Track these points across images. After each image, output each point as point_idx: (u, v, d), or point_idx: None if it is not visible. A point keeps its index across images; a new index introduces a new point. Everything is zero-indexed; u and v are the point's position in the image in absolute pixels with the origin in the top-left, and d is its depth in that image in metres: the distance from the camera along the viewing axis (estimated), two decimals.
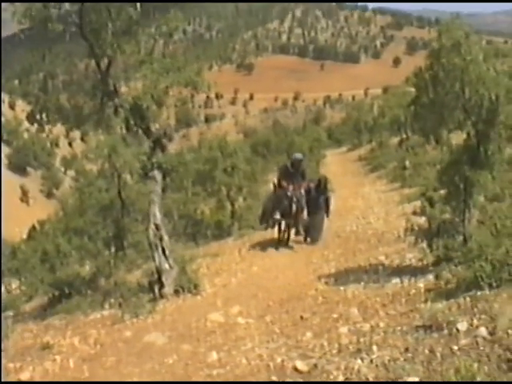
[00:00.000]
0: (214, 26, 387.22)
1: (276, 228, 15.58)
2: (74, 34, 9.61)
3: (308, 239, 15.88)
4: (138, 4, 10.09)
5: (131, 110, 9.82)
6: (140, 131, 10.18)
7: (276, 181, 16.04)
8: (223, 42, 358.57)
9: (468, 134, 9.27)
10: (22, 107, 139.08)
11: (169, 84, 9.84)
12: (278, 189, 15.46)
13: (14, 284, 25.12)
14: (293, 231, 15.50)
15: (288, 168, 15.66)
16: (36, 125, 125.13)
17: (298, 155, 16.44)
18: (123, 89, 10.69)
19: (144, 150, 10.19)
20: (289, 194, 14.89)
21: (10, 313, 14.16)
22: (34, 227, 48.45)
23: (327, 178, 17.02)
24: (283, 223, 15.39)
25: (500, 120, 8.80)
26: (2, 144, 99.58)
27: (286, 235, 15.54)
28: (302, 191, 15.30)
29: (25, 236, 47.18)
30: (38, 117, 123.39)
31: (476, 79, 8.64)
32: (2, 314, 13.93)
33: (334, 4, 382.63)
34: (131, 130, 10.12)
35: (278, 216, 14.75)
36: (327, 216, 16.28)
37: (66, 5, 9.29)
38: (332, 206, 16.57)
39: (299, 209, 14.97)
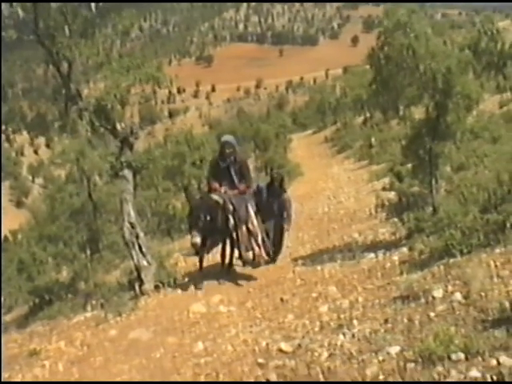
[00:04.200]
0: (170, 20, 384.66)
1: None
2: (30, 40, 9.60)
3: (266, 255, 11.03)
4: (93, 5, 10.11)
5: (95, 112, 9.84)
6: (106, 132, 10.20)
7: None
8: (180, 35, 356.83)
9: (427, 108, 9.49)
10: None
11: (130, 82, 9.86)
12: (206, 193, 10.88)
13: None
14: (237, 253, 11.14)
15: (217, 162, 10.81)
16: None
17: (228, 137, 11.14)
18: (85, 91, 10.71)
19: (112, 150, 10.22)
20: (218, 199, 10.13)
21: None
22: (6, 238, 48.04)
23: (283, 176, 12.33)
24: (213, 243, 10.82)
25: (457, 90, 9.02)
26: None
27: (227, 257, 11.10)
28: (247, 194, 10.84)
29: None
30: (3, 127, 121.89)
31: (425, 54, 8.85)
32: None
33: None
34: (97, 132, 10.14)
35: (197, 238, 9.61)
36: (286, 225, 11.69)
37: (20, 13, 9.26)
38: (293, 212, 11.94)
39: (238, 221, 10.42)
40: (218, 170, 10.72)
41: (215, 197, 10.21)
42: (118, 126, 10.07)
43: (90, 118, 9.85)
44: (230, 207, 10.28)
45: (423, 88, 9.19)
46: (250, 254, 10.91)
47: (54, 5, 9.40)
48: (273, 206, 11.44)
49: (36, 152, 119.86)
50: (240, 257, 11.08)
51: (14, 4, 9.17)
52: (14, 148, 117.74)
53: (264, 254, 10.78)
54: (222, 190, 10.50)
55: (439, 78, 8.81)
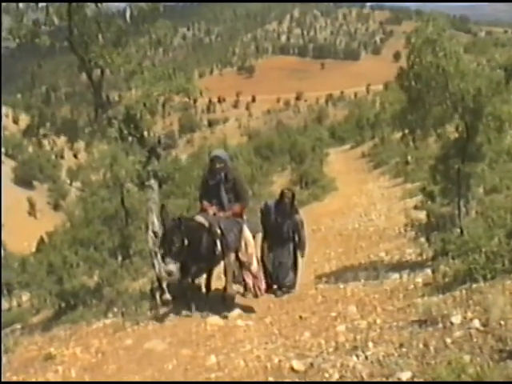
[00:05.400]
0: (213, 30, 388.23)
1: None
2: (63, 47, 9.76)
3: (276, 288, 10.32)
4: (128, 14, 10.23)
5: (124, 121, 9.93)
6: (134, 140, 10.28)
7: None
8: (223, 45, 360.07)
9: (457, 128, 9.35)
10: (26, 121, 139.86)
11: (160, 92, 9.92)
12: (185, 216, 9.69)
13: (25, 297, 25.38)
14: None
15: (207, 179, 9.54)
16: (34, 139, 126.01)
17: (218, 152, 10.01)
18: (116, 99, 10.83)
19: (139, 159, 10.29)
20: (203, 221, 8.87)
21: (18, 326, 14.30)
22: (42, 240, 48.78)
23: (294, 193, 10.58)
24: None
25: (487, 111, 8.87)
26: (8, 159, 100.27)
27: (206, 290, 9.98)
28: (242, 217, 9.45)
29: (34, 249, 47.51)
30: (35, 131, 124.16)
31: (455, 73, 8.71)
32: (10, 328, 14.10)
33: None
34: (126, 140, 10.22)
35: (170, 266, 8.28)
36: (300, 251, 10.55)
37: (56, 21, 9.40)
38: (306, 234, 10.65)
39: (225, 248, 8.96)
40: (207, 188, 9.46)
41: (200, 219, 8.96)
42: (146, 136, 10.15)
43: (119, 126, 9.94)
44: (218, 231, 8.89)
45: (453, 108, 9.06)
46: (238, 286, 9.92)
47: (89, 13, 9.51)
48: (282, 228, 10.19)
49: (75, 156, 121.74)
50: (224, 290, 9.42)
51: (50, 11, 9.30)
52: (54, 151, 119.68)
53: (261, 286, 9.63)
54: (211, 211, 9.15)
55: (469, 99, 8.67)
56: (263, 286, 9.71)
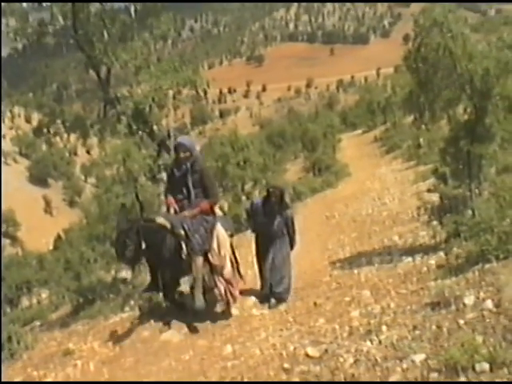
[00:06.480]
0: (221, 20, 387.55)
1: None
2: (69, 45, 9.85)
3: (269, 294, 9.22)
4: (132, 10, 10.29)
5: (133, 116, 9.99)
6: (144, 135, 10.34)
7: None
8: (231, 35, 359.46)
9: (465, 109, 9.32)
10: (38, 119, 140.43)
11: (168, 86, 9.97)
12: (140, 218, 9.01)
13: (44, 294, 25.59)
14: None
15: (172, 170, 8.36)
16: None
17: (182, 139, 8.58)
18: (126, 94, 10.89)
19: (150, 153, 10.35)
20: (164, 222, 7.80)
21: (38, 323, 14.44)
22: (59, 237, 49.16)
23: (283, 191, 9.58)
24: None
25: (496, 92, 8.82)
26: (22, 157, 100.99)
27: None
28: (209, 216, 8.14)
29: (51, 246, 47.90)
30: (45, 130, 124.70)
31: (462, 55, 8.67)
32: (30, 325, 14.26)
33: None
34: (135, 135, 10.28)
35: (124, 273, 7.89)
36: (290, 247, 9.54)
37: (61, 20, 9.47)
38: (296, 230, 9.74)
39: (191, 251, 7.89)
40: (173, 180, 8.29)
41: (160, 219, 7.90)
42: (156, 129, 10.21)
43: (127, 122, 10.00)
44: (182, 232, 7.83)
45: (461, 89, 9.01)
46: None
47: (92, 10, 9.57)
48: (272, 226, 9.23)
49: (88, 152, 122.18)
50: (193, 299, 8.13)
51: (54, 11, 9.37)
52: (67, 148, 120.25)
53: (235, 292, 8.48)
54: (172, 209, 8.15)
55: (477, 80, 8.63)
56: (237, 292, 8.56)
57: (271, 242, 9.29)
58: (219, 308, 8.67)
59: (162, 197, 9.97)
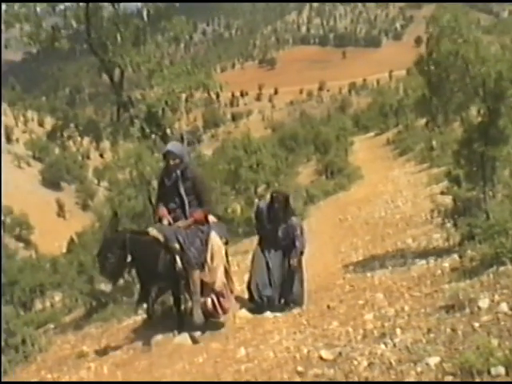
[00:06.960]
0: (233, 24, 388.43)
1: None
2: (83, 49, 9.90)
3: (283, 304, 9.09)
4: (145, 13, 10.33)
5: (146, 119, 10.02)
6: (157, 138, 10.37)
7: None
8: (243, 39, 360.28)
9: (478, 112, 9.28)
10: (51, 123, 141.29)
11: (181, 89, 10.00)
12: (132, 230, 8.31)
13: (58, 297, 25.72)
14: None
15: (163, 178, 8.04)
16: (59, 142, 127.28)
17: (172, 146, 8.13)
18: (139, 98, 10.93)
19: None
20: (156, 234, 7.56)
21: (51, 325, 14.53)
22: (72, 240, 49.40)
23: (287, 195, 9.16)
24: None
25: (510, 93, 8.78)
26: (35, 161, 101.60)
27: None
28: (203, 226, 7.90)
29: (64, 249, 48.13)
30: (58, 134, 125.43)
31: (475, 59, 8.62)
32: (44, 328, 14.35)
33: None
34: (148, 138, 10.31)
35: (103, 286, 7.23)
36: (293, 257, 8.92)
37: (74, 24, 9.52)
38: (305, 238, 9.17)
39: (186, 265, 7.64)
40: (164, 190, 7.98)
41: (153, 232, 7.59)
42: (169, 132, 10.23)
43: (140, 125, 10.03)
44: (176, 246, 7.54)
45: (474, 93, 8.97)
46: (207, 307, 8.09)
47: (105, 14, 9.62)
48: (277, 233, 8.87)
49: (101, 155, 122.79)
50: (191, 313, 8.01)
51: (68, 15, 9.42)
52: (79, 152, 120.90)
53: (225, 305, 8.13)
54: (165, 220, 7.80)
55: (490, 83, 8.58)
56: (228, 303, 8.21)
57: (275, 249, 8.99)
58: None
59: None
